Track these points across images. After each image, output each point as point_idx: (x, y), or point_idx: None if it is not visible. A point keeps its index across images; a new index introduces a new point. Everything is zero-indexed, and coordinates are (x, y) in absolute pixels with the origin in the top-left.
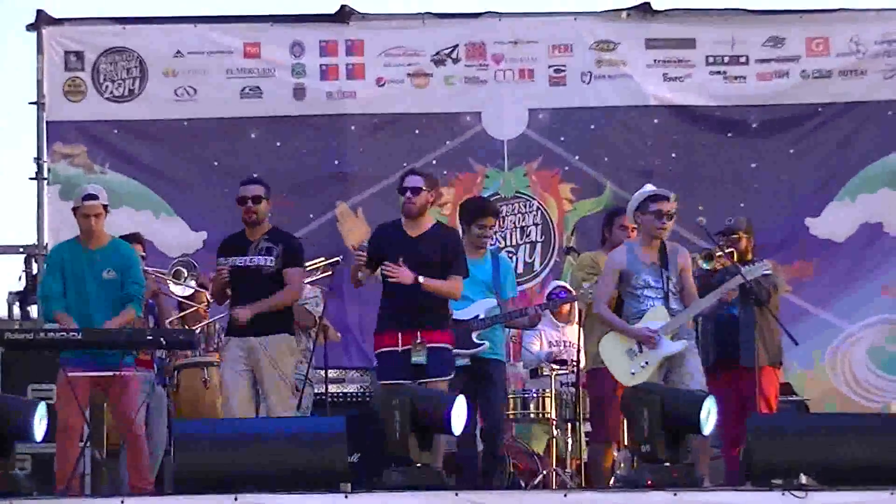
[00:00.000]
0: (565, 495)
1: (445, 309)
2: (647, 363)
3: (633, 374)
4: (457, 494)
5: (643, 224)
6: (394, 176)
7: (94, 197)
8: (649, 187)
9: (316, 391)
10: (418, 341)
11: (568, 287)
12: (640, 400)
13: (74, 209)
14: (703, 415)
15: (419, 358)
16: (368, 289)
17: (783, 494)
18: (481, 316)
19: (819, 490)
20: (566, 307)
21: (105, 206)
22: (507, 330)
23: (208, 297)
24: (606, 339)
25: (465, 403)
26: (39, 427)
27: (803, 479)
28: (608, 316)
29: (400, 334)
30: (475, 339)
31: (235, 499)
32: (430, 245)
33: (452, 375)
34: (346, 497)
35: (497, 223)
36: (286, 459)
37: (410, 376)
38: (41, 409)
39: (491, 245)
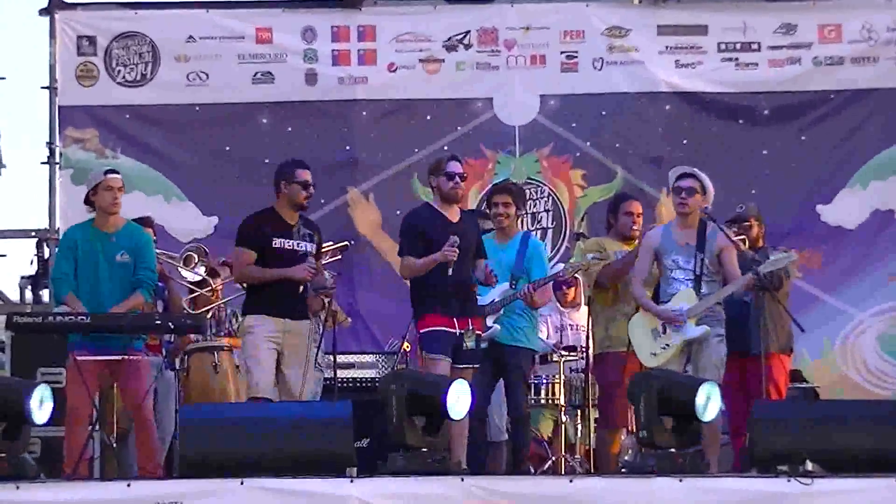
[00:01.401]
0: (571, 481)
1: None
2: (667, 345)
3: (653, 354)
4: (462, 480)
5: (673, 203)
6: (405, 162)
7: (115, 171)
8: (678, 169)
9: (325, 376)
10: (470, 328)
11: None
12: (640, 385)
13: (94, 187)
14: (699, 401)
15: (470, 344)
16: (379, 274)
17: (788, 481)
18: (496, 300)
19: (824, 477)
20: (571, 292)
21: (121, 187)
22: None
23: (216, 282)
24: (635, 319)
25: (468, 388)
26: (40, 410)
27: (809, 465)
28: (637, 293)
29: (455, 320)
30: (488, 323)
31: (242, 483)
32: (468, 230)
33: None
34: (351, 482)
35: (512, 200)
36: (293, 444)
37: (455, 359)
38: (41, 391)
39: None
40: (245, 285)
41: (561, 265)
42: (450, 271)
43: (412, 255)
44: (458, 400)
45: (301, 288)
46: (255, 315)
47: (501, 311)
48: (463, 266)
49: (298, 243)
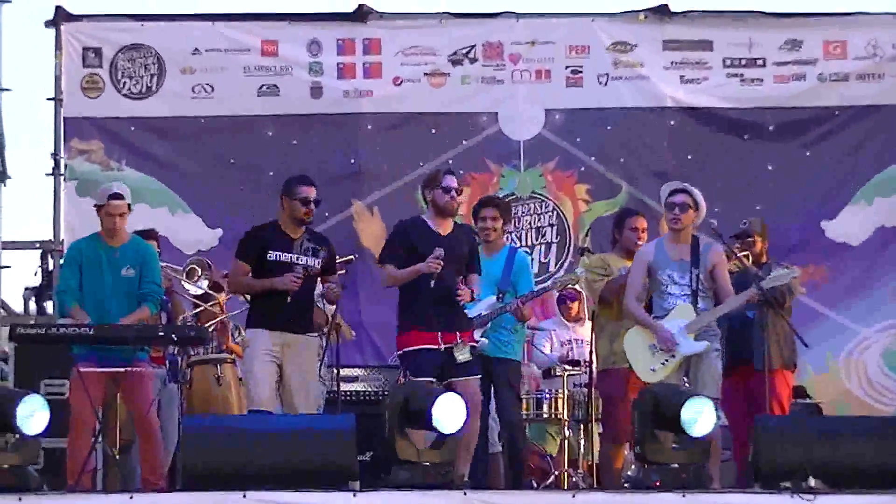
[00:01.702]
0: (574, 496)
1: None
2: (666, 361)
3: (652, 370)
4: (465, 494)
5: (666, 219)
6: (409, 175)
7: (120, 196)
8: (669, 186)
9: (328, 389)
10: (459, 341)
11: (576, 288)
12: (637, 400)
13: (98, 206)
14: (686, 416)
15: (464, 356)
16: (382, 288)
17: (792, 497)
18: (483, 314)
19: (827, 493)
20: (574, 306)
21: (129, 206)
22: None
23: (220, 295)
24: (631, 333)
25: (460, 401)
26: (31, 420)
27: (812, 482)
28: (633, 309)
29: (440, 335)
30: (476, 337)
31: (244, 496)
32: (459, 244)
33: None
34: (354, 495)
35: (499, 214)
36: (296, 456)
37: (448, 374)
38: (31, 401)
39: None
40: (248, 299)
41: (551, 280)
42: (432, 283)
43: (391, 264)
44: (447, 414)
45: (289, 298)
46: (253, 329)
47: (489, 325)
48: (450, 280)
49: (298, 257)
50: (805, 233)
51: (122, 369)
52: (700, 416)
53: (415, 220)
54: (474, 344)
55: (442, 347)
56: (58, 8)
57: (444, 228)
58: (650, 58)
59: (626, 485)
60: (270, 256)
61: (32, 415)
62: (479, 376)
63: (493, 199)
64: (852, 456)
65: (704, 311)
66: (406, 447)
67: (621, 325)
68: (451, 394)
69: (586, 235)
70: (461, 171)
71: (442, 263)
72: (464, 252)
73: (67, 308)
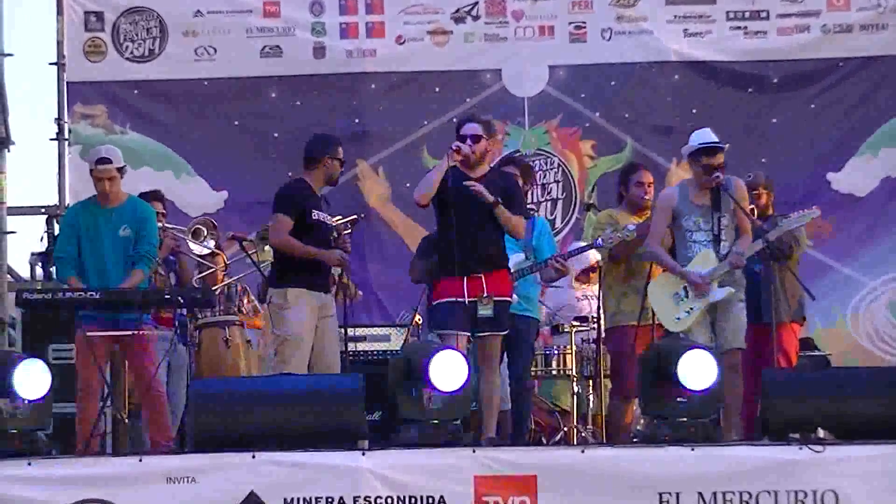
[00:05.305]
0: (583, 451)
1: (505, 252)
2: (692, 309)
3: (678, 319)
4: (474, 451)
5: (693, 172)
6: (414, 134)
7: (107, 161)
8: (703, 135)
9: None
10: (485, 294)
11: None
12: (641, 356)
13: (91, 170)
14: (680, 370)
15: (486, 311)
16: (389, 247)
17: (800, 448)
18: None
19: (836, 444)
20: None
21: (120, 169)
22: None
23: (218, 259)
24: (654, 284)
25: (459, 358)
26: (27, 384)
27: (821, 432)
28: (660, 254)
29: (465, 281)
30: None
31: (253, 456)
32: (490, 186)
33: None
34: (363, 454)
35: (520, 174)
36: (304, 417)
37: (472, 328)
38: (28, 365)
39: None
40: (274, 258)
41: (578, 243)
42: (453, 223)
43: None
44: (445, 371)
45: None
46: (297, 289)
47: (516, 282)
48: (474, 222)
49: (328, 217)
50: (811, 185)
51: (125, 333)
52: (699, 370)
53: (449, 170)
54: (506, 298)
55: (466, 301)
56: None
57: (476, 172)
58: (653, 12)
59: (634, 440)
60: (315, 216)
61: (27, 378)
62: (505, 332)
63: (514, 157)
64: (861, 407)
65: (724, 256)
66: (410, 405)
67: (629, 286)
68: (449, 351)
69: (592, 191)
70: None
71: (460, 147)
72: (493, 194)
73: (66, 277)
